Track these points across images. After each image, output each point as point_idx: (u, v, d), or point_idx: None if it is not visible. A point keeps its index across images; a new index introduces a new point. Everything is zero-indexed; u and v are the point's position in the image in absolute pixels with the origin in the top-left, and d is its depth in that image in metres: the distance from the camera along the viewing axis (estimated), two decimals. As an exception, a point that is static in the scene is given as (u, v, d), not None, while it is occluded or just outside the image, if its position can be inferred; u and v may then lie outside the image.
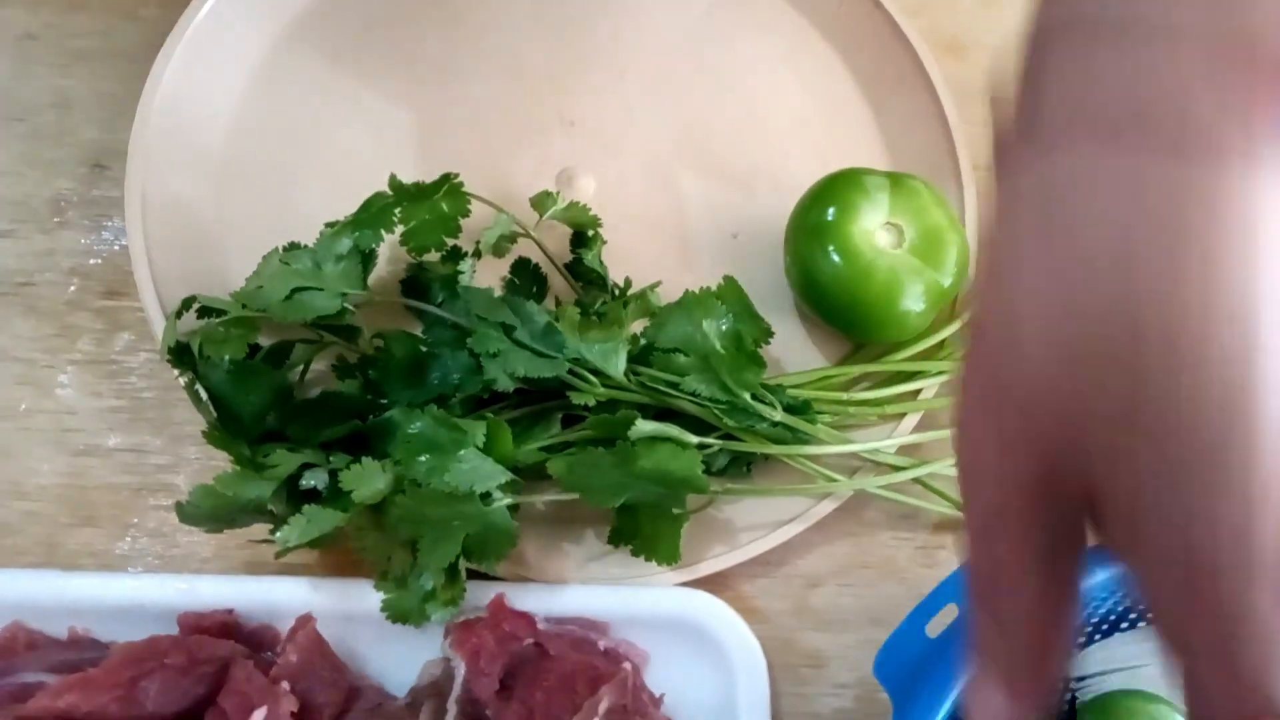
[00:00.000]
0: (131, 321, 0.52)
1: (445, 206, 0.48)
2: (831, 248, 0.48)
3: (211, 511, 0.43)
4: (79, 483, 0.50)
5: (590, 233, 0.52)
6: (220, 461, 0.47)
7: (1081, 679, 0.43)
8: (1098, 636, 0.44)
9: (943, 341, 0.52)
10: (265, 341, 0.48)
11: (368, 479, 0.43)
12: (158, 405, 0.51)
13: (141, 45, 0.56)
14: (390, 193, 0.47)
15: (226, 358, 0.45)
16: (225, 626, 0.45)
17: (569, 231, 0.53)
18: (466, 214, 0.48)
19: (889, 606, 0.51)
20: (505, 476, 0.43)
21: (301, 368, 0.49)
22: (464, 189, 0.48)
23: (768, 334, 0.49)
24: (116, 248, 0.54)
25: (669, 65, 0.57)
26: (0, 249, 0.53)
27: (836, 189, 0.49)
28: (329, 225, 0.47)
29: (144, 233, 0.50)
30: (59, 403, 0.51)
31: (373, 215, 0.47)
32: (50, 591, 0.46)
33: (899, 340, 0.51)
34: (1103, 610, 0.43)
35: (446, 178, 0.48)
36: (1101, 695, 0.42)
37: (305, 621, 0.44)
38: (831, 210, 0.49)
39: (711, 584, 0.49)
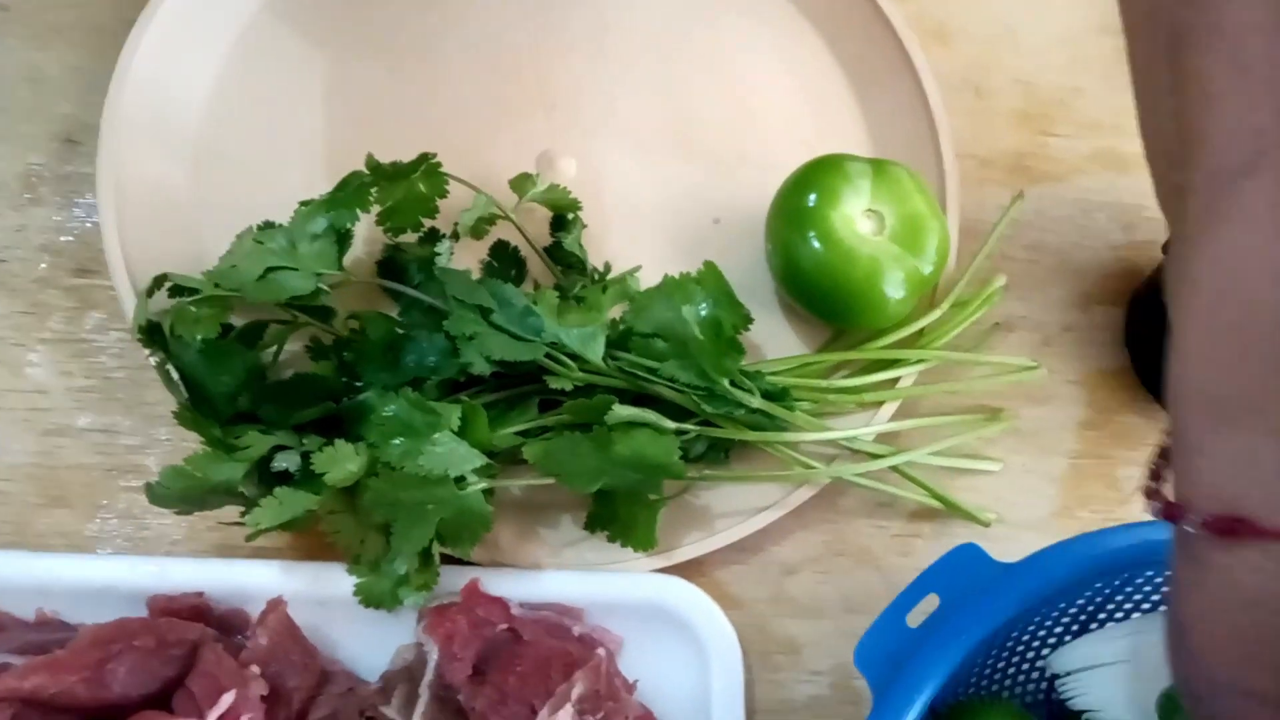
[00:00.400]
0: (103, 300, 0.52)
1: (422, 187, 0.47)
2: (812, 234, 0.48)
3: (182, 493, 0.42)
4: (49, 463, 0.50)
5: (570, 216, 0.52)
6: (192, 443, 0.47)
7: (1066, 675, 0.43)
8: (1083, 632, 0.44)
9: (921, 330, 0.52)
10: (238, 322, 0.47)
11: (340, 462, 0.42)
12: (129, 385, 0.51)
13: (116, 19, 0.55)
14: (367, 172, 0.47)
15: (199, 337, 0.44)
16: (195, 609, 0.44)
17: (548, 215, 0.52)
18: (444, 194, 0.48)
19: (865, 594, 0.51)
20: (480, 460, 0.43)
21: (275, 349, 0.48)
22: (442, 169, 0.48)
23: (747, 320, 0.49)
24: (88, 225, 0.53)
25: (652, 49, 0.57)
26: (-30, 225, 0.52)
27: (819, 174, 0.49)
28: (304, 204, 0.47)
29: (116, 210, 0.49)
30: (29, 382, 0.51)
31: (349, 195, 0.46)
32: (18, 572, 0.45)
33: (879, 327, 0.51)
34: (1080, 601, 0.43)
35: (424, 157, 0.47)
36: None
37: (276, 605, 0.44)
38: (813, 196, 0.48)
39: (688, 570, 0.49)
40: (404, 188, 0.47)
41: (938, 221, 0.49)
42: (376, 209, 0.47)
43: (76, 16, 0.56)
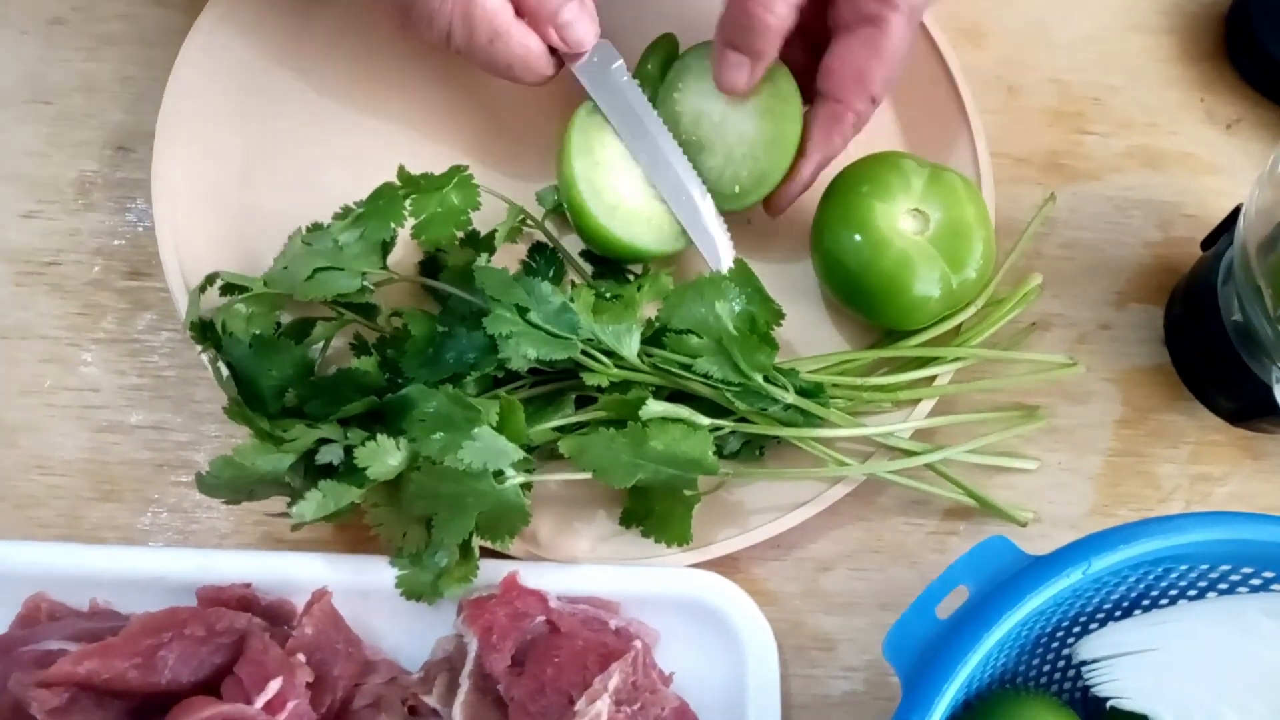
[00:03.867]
0: (154, 301, 0.53)
1: (455, 199, 0.48)
2: (852, 219, 0.48)
3: (230, 482, 0.44)
4: (101, 458, 0.51)
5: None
6: (240, 440, 0.48)
7: (1092, 662, 0.43)
8: (1110, 621, 0.44)
9: (958, 328, 0.52)
10: (285, 319, 0.48)
11: (382, 456, 0.43)
12: (179, 384, 0.52)
13: (165, 30, 0.57)
14: (399, 183, 0.48)
15: (256, 331, 0.45)
16: (243, 600, 0.45)
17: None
18: (476, 206, 0.48)
19: (899, 591, 0.51)
20: (518, 455, 0.44)
21: (322, 344, 0.49)
22: (474, 181, 0.48)
23: (779, 315, 0.49)
24: (140, 229, 0.54)
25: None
26: (27, 229, 0.54)
27: (874, 167, 0.49)
28: (338, 217, 0.47)
29: (170, 211, 0.51)
30: (83, 380, 0.52)
31: (381, 207, 0.47)
32: (72, 564, 0.47)
33: (910, 327, 0.51)
34: (1114, 595, 0.43)
35: (456, 170, 0.48)
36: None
37: (321, 595, 0.45)
38: (865, 186, 0.49)
39: (722, 566, 0.49)
40: (436, 200, 0.48)
41: (985, 232, 0.49)
42: (411, 221, 0.48)
43: (126, 28, 0.58)
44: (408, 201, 0.48)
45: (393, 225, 0.47)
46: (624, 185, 0.50)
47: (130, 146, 0.56)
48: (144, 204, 0.55)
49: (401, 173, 0.48)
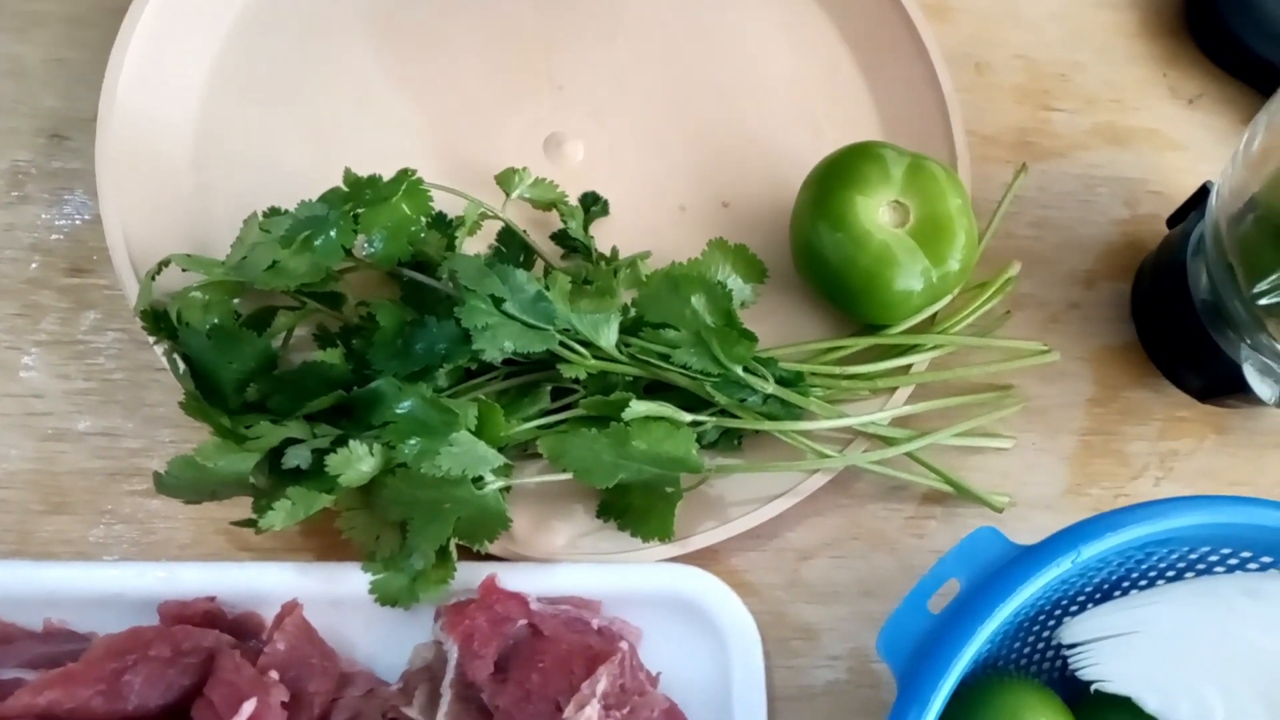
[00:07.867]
0: (98, 299, 0.50)
1: (406, 208, 0.44)
2: (830, 214, 0.47)
3: (191, 483, 0.41)
4: (49, 468, 0.48)
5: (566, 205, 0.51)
6: (197, 443, 0.45)
7: (1075, 646, 0.43)
8: (1089, 605, 0.44)
9: (934, 316, 0.51)
10: (244, 310, 0.46)
11: (354, 463, 0.41)
12: (129, 387, 0.49)
13: (99, 9, 0.53)
14: (345, 187, 0.45)
15: (215, 320, 0.43)
16: (208, 615, 0.43)
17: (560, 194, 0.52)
18: (429, 213, 0.45)
19: (881, 578, 0.51)
20: (498, 460, 0.42)
21: (284, 335, 0.47)
22: (423, 185, 0.45)
23: (763, 273, 0.48)
24: (79, 222, 0.51)
25: (661, 30, 0.56)
26: (-44, 224, 0.51)
27: (854, 159, 0.48)
28: (283, 241, 0.44)
29: (115, 192, 0.48)
30: (25, 385, 0.49)
31: (331, 222, 0.44)
32: (24, 582, 0.44)
33: (890, 323, 0.50)
34: (1096, 579, 0.44)
35: (404, 174, 0.45)
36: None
37: (292, 608, 0.43)
38: (844, 178, 0.48)
39: (702, 558, 0.48)
40: (386, 212, 0.44)
41: (967, 222, 0.48)
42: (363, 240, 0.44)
43: (57, 7, 0.54)
44: (355, 214, 0.44)
45: (344, 247, 0.44)
46: None
47: (66, 134, 0.52)
48: (83, 196, 0.51)
49: (348, 176, 0.45)
